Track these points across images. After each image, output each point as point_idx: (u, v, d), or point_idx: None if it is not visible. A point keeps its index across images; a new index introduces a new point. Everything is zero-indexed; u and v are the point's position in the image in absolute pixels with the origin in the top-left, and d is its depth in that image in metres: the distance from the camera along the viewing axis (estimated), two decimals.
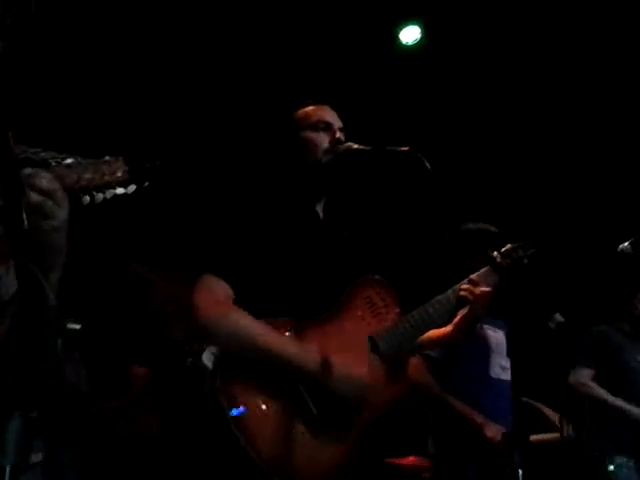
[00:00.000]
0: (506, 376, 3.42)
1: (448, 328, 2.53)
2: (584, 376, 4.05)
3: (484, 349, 3.43)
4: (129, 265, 4.27)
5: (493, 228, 3.40)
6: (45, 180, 1.48)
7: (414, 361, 3.27)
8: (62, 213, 1.50)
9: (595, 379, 4.08)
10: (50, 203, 1.47)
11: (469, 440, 3.22)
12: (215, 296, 2.15)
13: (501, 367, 3.42)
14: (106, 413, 3.93)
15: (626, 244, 3.17)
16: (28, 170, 1.48)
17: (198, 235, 2.42)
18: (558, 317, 2.99)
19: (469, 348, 3.27)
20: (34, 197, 1.44)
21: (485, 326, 3.50)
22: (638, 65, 4.83)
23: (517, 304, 2.47)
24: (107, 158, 1.62)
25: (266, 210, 2.31)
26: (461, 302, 2.45)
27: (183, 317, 2.23)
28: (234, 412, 2.08)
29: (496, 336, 3.52)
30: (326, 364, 2.16)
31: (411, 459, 4.26)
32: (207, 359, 2.20)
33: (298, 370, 2.14)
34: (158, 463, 3.90)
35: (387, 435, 2.43)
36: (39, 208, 1.46)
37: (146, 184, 1.64)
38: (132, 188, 1.63)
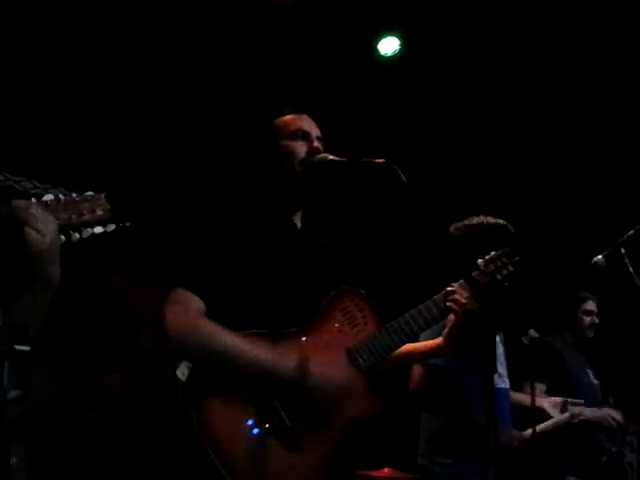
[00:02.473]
0: (503, 384, 3.41)
1: (438, 340, 2.54)
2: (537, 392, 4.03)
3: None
4: (105, 274, 4.23)
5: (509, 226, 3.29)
6: (22, 201, 1.47)
7: (418, 370, 3.25)
8: (50, 233, 1.49)
9: (547, 393, 4.10)
10: (33, 219, 1.47)
11: (479, 446, 3.17)
12: (185, 310, 2.14)
13: (499, 375, 3.38)
14: (80, 425, 3.87)
15: (600, 257, 3.15)
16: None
17: (171, 248, 2.40)
18: (532, 333, 2.99)
19: (475, 356, 3.27)
20: (20, 215, 1.43)
21: None
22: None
23: (491, 319, 2.47)
24: (89, 194, 1.59)
25: (241, 221, 2.29)
26: (445, 312, 2.44)
27: (154, 328, 2.21)
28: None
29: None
30: (301, 367, 2.15)
31: (385, 471, 4.24)
32: (181, 373, 2.17)
33: (271, 376, 2.13)
34: (127, 474, 3.85)
35: (360, 446, 2.41)
36: (25, 223, 1.45)
37: (127, 224, 1.61)
38: (111, 227, 1.60)
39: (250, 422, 2.10)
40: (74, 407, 3.80)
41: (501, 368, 3.45)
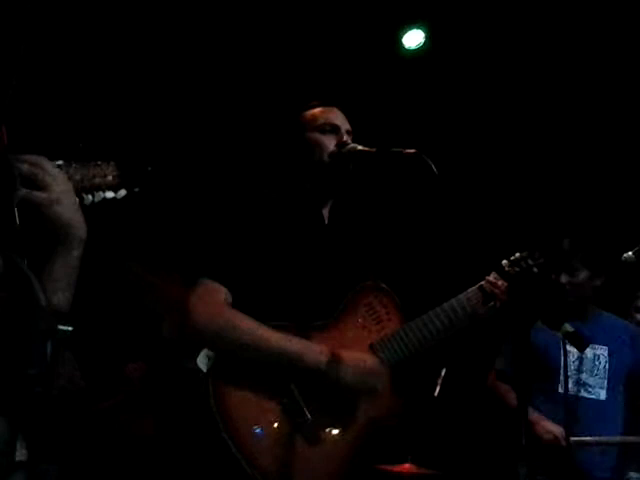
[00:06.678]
0: (586, 393, 3.48)
1: None
2: None
3: (550, 365, 3.50)
4: (127, 264, 4.25)
5: None
6: (33, 156, 1.49)
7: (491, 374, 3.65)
8: (57, 185, 1.49)
9: None
10: (41, 172, 1.47)
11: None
12: (212, 300, 2.14)
13: (582, 383, 3.48)
14: (100, 413, 3.90)
15: (630, 253, 3.15)
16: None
17: (198, 238, 2.40)
18: (567, 327, 2.96)
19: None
20: (25, 168, 1.45)
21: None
22: None
23: (524, 313, 2.42)
24: (99, 162, 1.62)
25: (269, 213, 2.29)
26: (486, 295, 2.40)
27: (177, 318, 2.21)
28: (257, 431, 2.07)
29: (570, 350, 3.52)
30: (331, 354, 2.14)
31: (406, 466, 4.21)
32: (202, 362, 2.17)
33: (299, 362, 2.12)
34: (152, 465, 3.87)
35: (382, 442, 2.39)
36: (31, 178, 1.46)
37: (137, 189, 1.63)
38: (122, 193, 1.63)
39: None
40: (94, 396, 3.82)
41: (585, 376, 3.50)
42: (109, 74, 4.50)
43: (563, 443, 3.30)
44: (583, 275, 3.59)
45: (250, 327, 2.13)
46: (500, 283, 2.41)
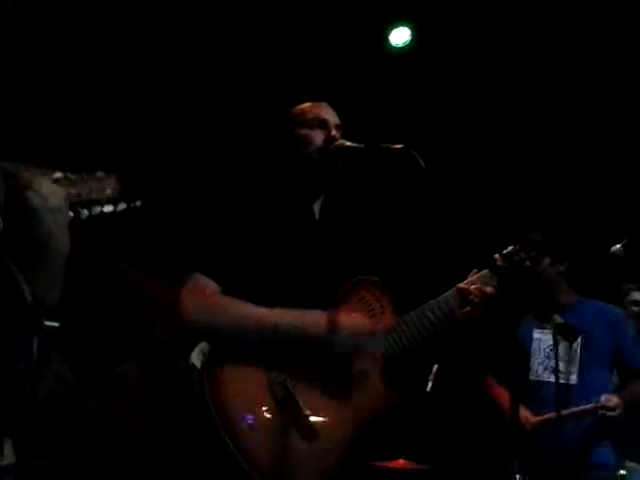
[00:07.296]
0: (552, 377, 3.50)
1: None
2: None
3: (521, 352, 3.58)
4: (116, 265, 4.23)
5: None
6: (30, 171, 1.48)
7: None
8: (55, 196, 1.49)
9: None
10: (41, 182, 1.48)
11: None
12: (200, 291, 2.14)
13: (545, 368, 3.55)
14: (90, 412, 3.88)
15: (618, 246, 3.20)
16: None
17: (188, 234, 2.40)
18: (557, 318, 2.98)
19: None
20: (26, 176, 1.44)
21: (536, 330, 3.63)
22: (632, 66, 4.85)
23: (515, 306, 2.43)
24: (99, 174, 1.60)
25: (259, 209, 2.28)
26: (463, 300, 2.41)
27: (168, 318, 2.21)
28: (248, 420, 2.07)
29: (541, 338, 3.61)
30: (331, 318, 2.16)
31: (400, 462, 4.22)
32: (196, 358, 2.16)
33: (301, 329, 2.14)
34: (143, 467, 3.85)
35: (375, 438, 2.40)
36: (31, 186, 1.46)
37: (137, 204, 1.62)
38: (122, 206, 1.61)
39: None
40: (84, 395, 3.81)
41: (551, 362, 3.52)
42: (105, 85, 4.49)
43: (528, 427, 3.41)
44: (544, 262, 3.61)
45: (241, 308, 2.13)
46: (473, 288, 2.41)
